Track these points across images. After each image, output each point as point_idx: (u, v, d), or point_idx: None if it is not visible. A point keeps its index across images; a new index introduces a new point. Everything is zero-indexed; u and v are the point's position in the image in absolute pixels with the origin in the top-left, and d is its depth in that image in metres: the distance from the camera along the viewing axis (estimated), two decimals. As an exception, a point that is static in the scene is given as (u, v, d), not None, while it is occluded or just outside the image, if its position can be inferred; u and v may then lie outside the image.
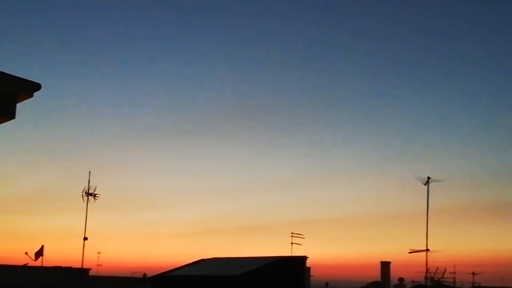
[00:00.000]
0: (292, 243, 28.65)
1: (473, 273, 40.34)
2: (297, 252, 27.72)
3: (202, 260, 27.65)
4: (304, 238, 28.98)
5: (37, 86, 6.20)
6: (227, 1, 57.30)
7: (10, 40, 49.16)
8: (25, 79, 6.15)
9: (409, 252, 29.58)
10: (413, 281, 34.59)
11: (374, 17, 60.57)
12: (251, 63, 61.87)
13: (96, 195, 29.45)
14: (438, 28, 59.28)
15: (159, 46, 59.48)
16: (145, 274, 33.20)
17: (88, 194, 29.28)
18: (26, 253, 30.74)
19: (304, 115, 63.06)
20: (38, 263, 30.66)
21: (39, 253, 30.61)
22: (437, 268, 30.82)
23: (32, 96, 6.25)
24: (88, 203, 29.17)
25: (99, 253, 39.03)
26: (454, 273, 35.35)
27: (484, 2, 56.84)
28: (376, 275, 36.69)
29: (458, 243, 53.33)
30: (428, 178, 29.61)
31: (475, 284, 40.41)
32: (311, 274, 30.74)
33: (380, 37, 61.51)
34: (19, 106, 6.31)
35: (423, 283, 31.60)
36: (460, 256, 47.72)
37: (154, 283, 26.05)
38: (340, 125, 61.57)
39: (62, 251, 52.52)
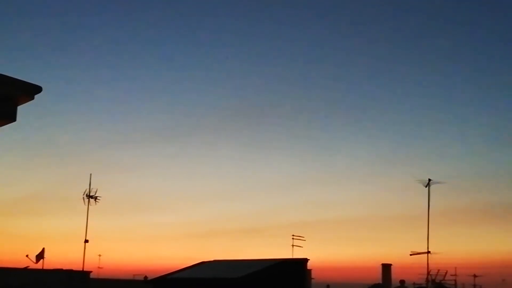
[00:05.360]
0: (293, 245, 28.54)
1: (475, 275, 40.21)
2: (298, 254, 27.62)
3: (203, 262, 27.60)
4: (305, 240, 28.89)
5: (38, 89, 6.20)
6: (225, 1, 57.31)
7: (11, 42, 49.09)
8: (26, 82, 6.15)
9: (410, 254, 29.49)
10: (414, 284, 34.50)
11: (374, 17, 60.59)
12: (249, 65, 61.69)
13: (97, 198, 29.38)
14: (438, 28, 59.26)
15: (159, 48, 59.37)
16: (146, 277, 33.10)
17: (89, 196, 29.22)
18: (27, 255, 30.60)
19: (304, 116, 62.86)
20: (39, 265, 30.50)
21: (40, 256, 30.48)
22: (438, 270, 30.78)
23: (33, 98, 6.26)
24: (89, 206, 29.16)
25: (100, 255, 38.97)
26: (456, 275, 35.17)
27: (484, 3, 56.88)
28: (377, 277, 36.58)
29: (460, 245, 53.00)
30: (429, 180, 29.51)
31: (477, 286, 40.34)
32: (312, 276, 30.76)
33: (379, 37, 61.46)
34: (20, 108, 6.31)
35: (424, 285, 31.56)
36: (462, 258, 47.33)
37: (155, 286, 26.02)
38: (340, 126, 61.31)
39: (63, 254, 52.21)
